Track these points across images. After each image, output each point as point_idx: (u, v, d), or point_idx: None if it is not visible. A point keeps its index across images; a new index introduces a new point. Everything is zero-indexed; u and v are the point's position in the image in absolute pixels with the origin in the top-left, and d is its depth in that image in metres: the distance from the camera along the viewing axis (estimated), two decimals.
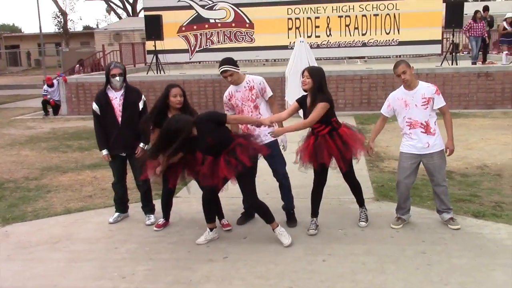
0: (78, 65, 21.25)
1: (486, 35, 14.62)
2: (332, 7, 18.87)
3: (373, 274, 4.31)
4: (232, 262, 4.68)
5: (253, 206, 5.16)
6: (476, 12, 14.40)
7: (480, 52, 14.98)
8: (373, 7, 18.72)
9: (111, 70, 5.52)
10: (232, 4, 19.33)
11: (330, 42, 19.03)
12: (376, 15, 18.81)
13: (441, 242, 4.92)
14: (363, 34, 19.02)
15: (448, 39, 19.66)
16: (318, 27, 19.12)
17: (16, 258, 4.95)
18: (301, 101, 5.20)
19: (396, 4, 18.53)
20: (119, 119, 5.58)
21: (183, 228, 5.61)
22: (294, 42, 18.90)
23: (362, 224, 5.40)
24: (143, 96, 5.80)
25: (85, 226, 5.78)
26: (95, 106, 5.61)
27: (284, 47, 19.24)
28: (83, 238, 5.40)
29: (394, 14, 18.67)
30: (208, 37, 19.62)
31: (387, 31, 18.87)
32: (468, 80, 13.06)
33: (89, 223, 5.88)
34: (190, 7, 19.40)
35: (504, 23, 14.90)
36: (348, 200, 6.29)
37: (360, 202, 5.55)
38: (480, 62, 14.74)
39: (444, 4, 15.84)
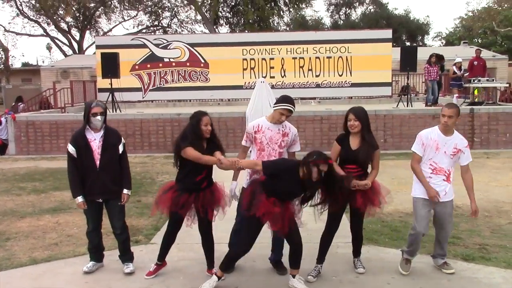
0: (20, 103, 20.31)
1: (438, 78, 15.21)
2: (287, 48, 19.21)
3: None
4: None
5: (300, 247, 4.85)
6: (431, 56, 14.97)
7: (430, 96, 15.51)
8: (326, 50, 19.20)
9: (92, 109, 5.15)
10: (187, 44, 19.29)
11: (285, 83, 19.24)
12: (329, 57, 19.28)
13: None
14: (316, 76, 19.41)
15: (398, 81, 20.39)
16: (273, 68, 19.36)
17: None
18: (341, 140, 5.07)
19: (348, 47, 19.08)
20: (97, 162, 5.18)
21: (166, 278, 5.22)
22: (249, 82, 19.31)
23: (361, 270, 5.23)
24: (122, 139, 5.45)
25: (57, 278, 5.28)
26: (71, 148, 5.18)
27: (239, 87, 19.32)
28: None
29: (347, 57, 19.20)
30: (162, 75, 19.39)
31: (340, 73, 19.35)
32: (424, 122, 13.40)
33: (60, 274, 5.38)
34: (144, 46, 19.19)
35: (454, 68, 15.56)
36: (334, 245, 6.11)
37: (358, 251, 5.41)
38: (430, 105, 15.24)
39: (399, 48, 16.39)
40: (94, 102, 5.32)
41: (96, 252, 5.51)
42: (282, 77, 19.30)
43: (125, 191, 5.25)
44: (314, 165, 4.44)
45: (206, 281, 4.89)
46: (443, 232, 5.12)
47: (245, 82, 19.35)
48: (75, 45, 39.61)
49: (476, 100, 14.81)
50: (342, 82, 19.35)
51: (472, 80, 14.45)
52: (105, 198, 5.30)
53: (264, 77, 18.91)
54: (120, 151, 5.32)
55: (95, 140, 5.20)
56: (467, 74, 15.55)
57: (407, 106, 14.62)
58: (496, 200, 8.21)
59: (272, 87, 18.82)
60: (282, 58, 19.28)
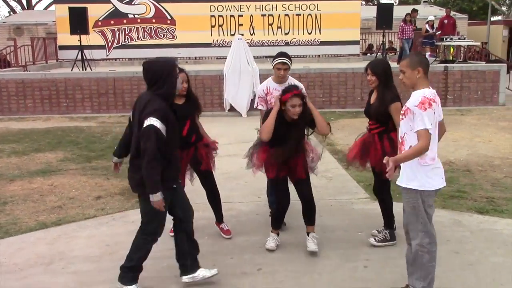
0: None
1: (412, 37, 15.33)
2: (256, 5, 18.80)
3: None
4: (270, 274, 4.31)
5: (312, 202, 4.67)
6: (406, 15, 15.03)
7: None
8: (295, 7, 18.93)
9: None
10: None
11: (254, 41, 18.89)
12: (298, 15, 19.03)
13: (467, 241, 4.90)
14: (286, 34, 19.17)
15: (366, 40, 20.46)
16: (241, 25, 18.95)
17: (9, 287, 4.18)
18: (369, 94, 4.90)
19: (317, 4, 18.88)
20: None
21: None
22: (217, 40, 18.91)
23: (373, 241, 4.82)
24: None
25: (74, 242, 5.06)
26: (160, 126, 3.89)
27: (207, 45, 18.89)
28: (81, 257, 4.70)
29: (316, 14, 19.01)
30: (126, 33, 18.65)
31: (309, 31, 19.18)
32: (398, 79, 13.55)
33: (77, 238, 5.16)
34: (107, 1, 18.32)
35: (426, 26, 15.71)
36: (347, 201, 6.16)
37: (388, 223, 4.90)
38: None
39: (376, 6, 16.35)
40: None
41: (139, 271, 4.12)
42: (251, 34, 18.93)
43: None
44: (284, 102, 4.33)
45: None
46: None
47: (214, 40, 18.91)
48: (24, 0, 37.40)
49: (451, 58, 15.07)
50: (311, 40, 19.21)
51: (444, 39, 14.65)
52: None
53: (232, 35, 18.72)
54: None
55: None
56: (439, 32, 15.76)
57: None
58: (485, 155, 8.44)
59: None
60: (251, 15, 18.88)
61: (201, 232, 5.21)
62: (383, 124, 4.66)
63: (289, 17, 19.02)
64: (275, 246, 4.77)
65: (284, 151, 4.42)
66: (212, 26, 18.84)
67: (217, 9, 18.72)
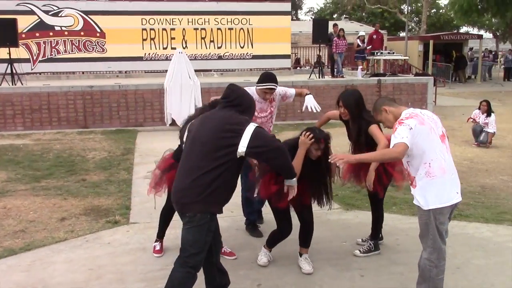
0: None
1: (345, 51, 15.90)
2: (188, 19, 18.69)
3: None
4: None
5: (312, 225, 4.66)
6: (340, 30, 15.57)
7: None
8: (227, 21, 19.03)
9: None
10: (81, 11, 17.89)
11: (187, 54, 18.70)
12: (231, 29, 19.15)
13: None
14: (218, 47, 19.20)
15: (296, 54, 20.96)
16: (174, 38, 18.73)
17: None
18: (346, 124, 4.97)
19: (249, 19, 19.10)
20: None
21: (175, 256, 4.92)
22: (149, 54, 18.58)
23: (357, 252, 4.93)
24: None
25: (52, 267, 4.73)
26: None
27: (139, 59, 18.49)
28: (65, 284, 4.41)
29: (248, 28, 19.22)
30: (53, 45, 17.81)
31: (242, 45, 19.33)
32: (337, 92, 13.91)
33: (54, 263, 4.82)
34: (31, 12, 17.42)
35: (358, 41, 16.37)
36: (321, 212, 6.20)
37: (374, 235, 5.04)
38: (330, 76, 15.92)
39: (311, 21, 16.76)
40: None
41: None
42: (184, 48, 18.59)
43: None
44: (313, 143, 4.26)
45: None
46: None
47: (145, 54, 18.53)
48: None
49: (376, 71, 15.77)
50: (243, 54, 19.37)
51: (375, 53, 15.34)
52: None
53: (165, 48, 18.48)
54: None
55: None
56: (370, 47, 16.48)
57: (319, 77, 15.11)
58: None
59: None
60: (184, 29, 18.73)
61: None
62: (371, 146, 4.63)
63: (221, 31, 19.08)
64: (267, 262, 4.74)
65: (316, 191, 4.48)
66: (144, 40, 18.46)
67: (149, 22, 18.40)
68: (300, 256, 4.68)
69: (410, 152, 3.58)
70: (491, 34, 49.68)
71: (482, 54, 27.97)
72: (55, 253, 5.06)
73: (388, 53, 15.34)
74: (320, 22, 14.31)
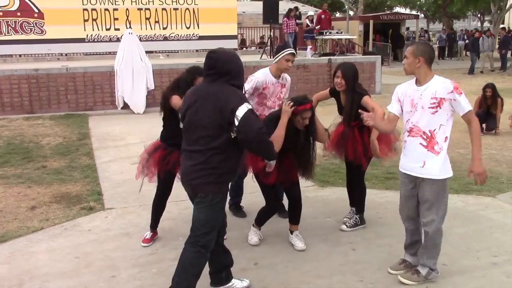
0: None
1: (296, 31, 15.97)
2: None
3: (381, 266, 4.42)
4: (270, 267, 4.28)
5: (300, 201, 4.64)
6: (290, 10, 15.58)
7: None
8: (172, 1, 18.59)
9: None
10: None
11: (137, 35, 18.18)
12: (176, 9, 18.73)
13: None
14: (164, 28, 18.74)
15: (243, 34, 20.84)
16: (117, 19, 18.08)
17: None
18: (334, 92, 4.94)
19: None
20: None
21: (166, 241, 4.84)
22: (92, 35, 17.89)
23: (344, 227, 5.03)
24: None
25: (35, 258, 4.52)
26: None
27: (81, 40, 17.73)
28: (54, 273, 4.23)
29: (194, 9, 18.86)
30: None
31: (188, 26, 18.98)
32: (290, 72, 14.02)
33: (36, 253, 4.61)
34: None
35: (307, 21, 16.46)
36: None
37: (359, 209, 5.13)
38: None
39: (258, 1, 16.66)
40: None
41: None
42: (128, 29, 18.18)
43: None
44: (297, 114, 4.20)
45: None
46: (423, 223, 3.92)
47: (88, 35, 17.79)
48: None
49: (323, 51, 15.98)
50: (189, 35, 19.03)
51: (324, 33, 15.50)
52: None
53: (108, 29, 17.85)
54: None
55: None
56: (319, 27, 16.63)
57: (271, 57, 15.09)
58: None
59: (118, 40, 17.66)
60: (127, 9, 18.12)
61: (172, 232, 5.01)
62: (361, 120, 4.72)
63: (166, 12, 18.62)
64: (258, 240, 4.74)
65: (304, 162, 4.44)
66: (86, 20, 17.71)
67: (90, 2, 17.65)
68: (291, 234, 4.71)
69: (450, 119, 3.72)
70: (422, 14, 51.46)
71: (419, 33, 28.95)
72: (34, 243, 4.83)
73: (337, 32, 15.58)
74: (270, 2, 14.27)
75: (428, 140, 3.75)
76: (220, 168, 3.34)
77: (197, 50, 19.40)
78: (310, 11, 17.07)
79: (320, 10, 17.43)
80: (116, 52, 13.39)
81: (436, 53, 30.56)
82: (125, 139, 9.51)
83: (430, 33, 40.94)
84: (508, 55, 23.67)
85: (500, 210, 5.55)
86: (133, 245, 4.77)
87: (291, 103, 4.16)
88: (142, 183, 4.84)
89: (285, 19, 15.43)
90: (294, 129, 4.24)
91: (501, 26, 27.33)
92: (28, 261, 4.46)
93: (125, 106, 12.79)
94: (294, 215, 4.67)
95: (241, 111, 3.28)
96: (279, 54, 4.95)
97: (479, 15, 49.05)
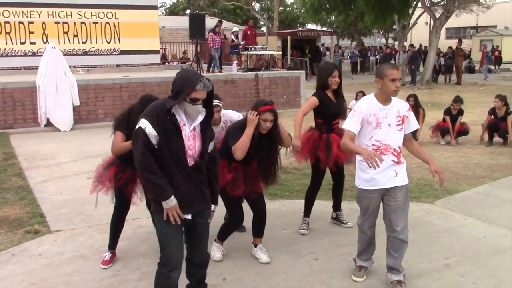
0: None
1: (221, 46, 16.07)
2: (48, 12, 17.38)
3: (345, 274, 4.63)
4: (238, 281, 4.28)
5: (265, 214, 4.68)
6: (216, 25, 15.66)
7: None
8: (92, 15, 18.09)
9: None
10: None
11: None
12: (95, 23, 18.22)
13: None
14: (83, 42, 18.15)
15: (166, 49, 20.67)
16: (32, 33, 17.28)
17: None
18: (321, 95, 5.15)
19: (115, 13, 18.35)
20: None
21: (126, 261, 4.69)
22: (5, 49, 16.98)
23: (349, 224, 5.50)
24: None
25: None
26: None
27: None
28: None
29: (114, 23, 18.46)
30: None
31: (108, 40, 18.52)
32: (217, 87, 14.14)
33: None
34: None
35: (232, 36, 16.63)
36: (245, 203, 6.33)
37: (339, 205, 5.66)
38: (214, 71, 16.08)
39: (188, 16, 16.58)
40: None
41: None
42: (45, 43, 17.34)
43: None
44: (258, 114, 4.26)
45: None
46: (391, 231, 4.11)
47: (1, 49, 16.89)
48: None
49: (248, 66, 16.21)
50: (110, 49, 18.56)
51: (250, 48, 15.75)
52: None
53: (23, 43, 16.99)
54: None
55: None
56: (244, 42, 16.85)
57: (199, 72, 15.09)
58: None
59: (34, 54, 17.07)
60: (43, 22, 17.37)
61: (132, 252, 4.87)
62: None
63: (85, 25, 18.06)
64: (222, 256, 4.72)
65: (266, 168, 4.46)
66: None
67: (3, 14, 16.76)
68: (255, 247, 4.74)
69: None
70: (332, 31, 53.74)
71: (334, 49, 30.18)
72: None
73: (261, 48, 15.89)
74: (196, 17, 14.27)
75: (398, 156, 4.01)
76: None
77: (118, 65, 18.99)
78: (235, 27, 17.28)
79: (246, 26, 17.72)
80: (32, 67, 12.80)
81: (349, 68, 32.05)
82: (56, 158, 9.09)
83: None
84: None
85: (441, 216, 5.92)
86: (91, 267, 4.58)
87: (256, 113, 4.25)
88: (97, 199, 4.68)
89: (210, 33, 15.52)
90: (257, 134, 4.33)
91: (410, 43, 29.13)
92: None
93: (49, 123, 12.22)
94: (259, 228, 4.71)
95: None
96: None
97: (383, 33, 51.90)
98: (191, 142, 3.33)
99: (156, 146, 3.22)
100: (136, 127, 3.24)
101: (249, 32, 17.17)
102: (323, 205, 6.19)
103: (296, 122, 5.13)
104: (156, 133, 3.19)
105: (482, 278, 4.33)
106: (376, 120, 3.93)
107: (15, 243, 5.12)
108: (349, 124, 3.97)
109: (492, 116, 10.16)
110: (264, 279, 4.32)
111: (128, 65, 19.08)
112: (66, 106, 12.15)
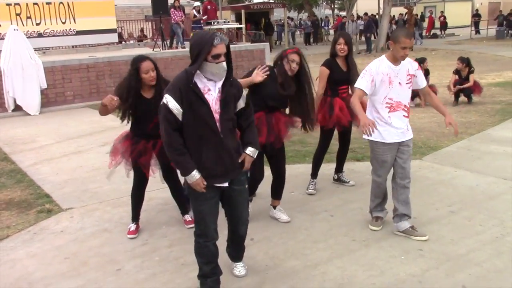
0: None
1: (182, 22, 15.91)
2: None
3: (363, 226, 4.93)
4: (267, 240, 4.52)
5: (284, 177, 4.90)
6: (175, 0, 15.46)
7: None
8: None
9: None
10: None
11: (1, 34, 16.83)
12: (49, 3, 17.64)
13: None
14: (37, 24, 17.56)
15: (122, 28, 20.28)
16: None
17: None
18: (330, 64, 5.38)
19: None
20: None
21: (151, 231, 4.83)
22: None
23: (351, 182, 5.90)
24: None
25: (21, 264, 4.27)
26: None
27: None
28: (54, 276, 4.05)
29: (68, 3, 17.92)
30: None
31: (63, 21, 17.98)
32: (185, 63, 14.06)
33: (19, 260, 4.34)
34: None
35: (194, 11, 16.49)
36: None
37: (341, 167, 5.98)
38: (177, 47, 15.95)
39: None
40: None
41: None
42: (12, 25, 16.78)
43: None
44: (285, 56, 4.50)
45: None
46: (400, 179, 4.45)
47: None
48: None
49: None
50: (66, 30, 18.04)
51: (212, 23, 15.71)
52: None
53: (16, 26, 16.20)
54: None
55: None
56: (206, 17, 16.75)
57: (164, 49, 14.98)
58: None
59: None
60: None
61: (153, 223, 5.01)
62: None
63: (38, 6, 17.46)
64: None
65: (301, 110, 4.66)
66: None
67: None
68: (274, 208, 4.97)
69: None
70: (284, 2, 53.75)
71: (287, 21, 30.37)
72: (7, 250, 4.54)
73: (224, 22, 15.87)
74: None
75: (407, 111, 4.38)
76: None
77: (74, 46, 18.54)
78: (197, 2, 17.16)
79: (206, 1, 17.60)
80: None
81: (302, 39, 32.36)
82: (36, 141, 8.95)
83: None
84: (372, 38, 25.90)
85: (432, 170, 6.33)
86: (119, 239, 4.70)
87: (266, 69, 4.44)
88: (111, 173, 4.76)
89: (172, 9, 15.35)
90: (284, 76, 4.50)
91: (364, 12, 29.60)
92: (13, 268, 4.21)
93: (17, 108, 11.92)
94: (278, 191, 4.94)
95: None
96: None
97: (329, 3, 52.39)
98: (219, 106, 3.32)
99: (181, 119, 3.25)
100: (161, 103, 3.29)
101: (209, 6, 17.08)
102: (322, 168, 6.45)
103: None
104: (179, 107, 3.22)
105: (486, 220, 4.74)
106: (389, 79, 4.25)
107: (32, 223, 5.15)
108: (360, 83, 4.29)
109: (457, 76, 10.71)
110: (290, 236, 4.57)
111: (86, 46, 18.66)
112: (34, 89, 11.86)
